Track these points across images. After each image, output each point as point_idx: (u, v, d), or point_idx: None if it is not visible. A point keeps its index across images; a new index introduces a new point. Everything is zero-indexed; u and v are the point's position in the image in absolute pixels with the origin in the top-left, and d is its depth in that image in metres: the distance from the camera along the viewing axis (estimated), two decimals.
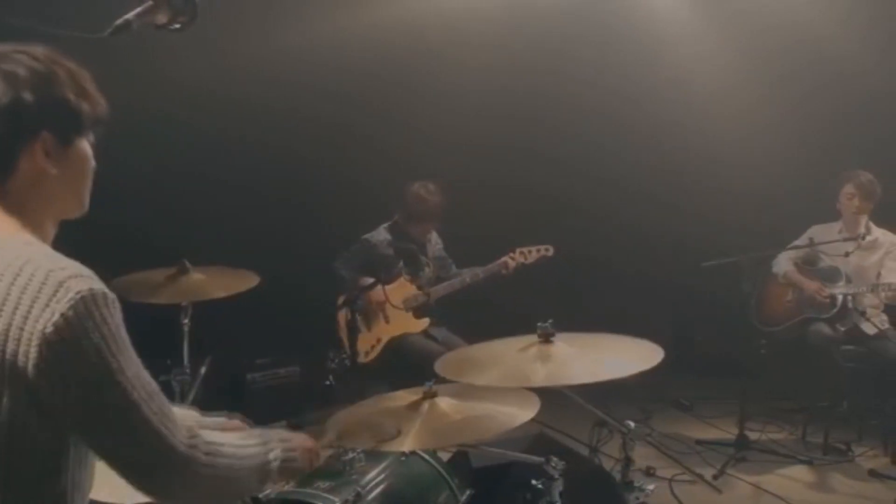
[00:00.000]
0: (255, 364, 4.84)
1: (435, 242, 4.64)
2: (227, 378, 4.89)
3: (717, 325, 5.67)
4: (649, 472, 4.19)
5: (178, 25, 1.47)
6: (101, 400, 1.22)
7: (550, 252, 4.45)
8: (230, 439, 1.44)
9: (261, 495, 2.45)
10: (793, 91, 5.34)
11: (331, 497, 2.37)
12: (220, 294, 2.71)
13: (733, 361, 4.94)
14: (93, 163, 1.41)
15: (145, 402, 1.25)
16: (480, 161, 5.48)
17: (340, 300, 4.01)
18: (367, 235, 4.47)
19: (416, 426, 2.21)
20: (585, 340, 2.05)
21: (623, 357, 1.99)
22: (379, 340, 4.33)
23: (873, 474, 4.20)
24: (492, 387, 2.24)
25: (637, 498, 2.15)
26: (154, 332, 3.08)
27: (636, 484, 2.15)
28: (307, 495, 2.41)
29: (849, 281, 4.56)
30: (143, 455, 1.27)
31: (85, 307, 1.18)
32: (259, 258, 4.18)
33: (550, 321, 2.04)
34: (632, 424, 2.11)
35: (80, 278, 1.21)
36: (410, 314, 4.38)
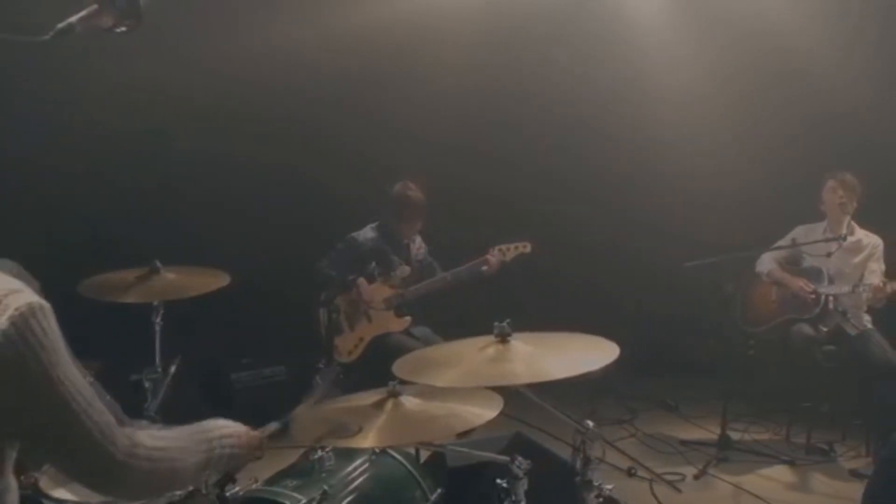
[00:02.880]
0: (240, 363, 4.86)
1: (418, 245, 4.65)
2: (211, 378, 4.92)
3: (703, 325, 5.68)
4: (630, 473, 4.20)
5: (123, 29, 1.48)
6: (43, 411, 1.27)
7: (528, 248, 4.46)
8: (172, 440, 1.51)
9: (228, 494, 2.49)
10: (777, 93, 5.37)
11: (296, 495, 2.39)
12: (192, 293, 2.72)
13: (718, 362, 4.96)
14: None
15: (84, 412, 1.30)
16: (458, 161, 5.49)
17: (321, 298, 4.04)
18: (353, 234, 4.49)
19: (378, 424, 2.24)
20: (542, 340, 2.06)
21: (578, 355, 1.99)
22: (361, 339, 4.36)
23: (854, 474, 4.21)
24: (452, 387, 2.27)
25: (596, 497, 2.16)
26: (126, 331, 3.12)
27: (595, 483, 2.16)
28: (274, 493, 2.43)
29: (831, 281, 4.56)
30: (84, 462, 1.35)
31: (24, 322, 1.23)
32: (245, 258, 4.22)
33: (508, 321, 2.05)
34: (590, 424, 2.12)
35: (16, 294, 1.25)
36: (392, 313, 4.41)
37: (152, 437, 1.46)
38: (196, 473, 1.57)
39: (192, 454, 1.53)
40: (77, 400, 1.29)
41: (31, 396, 1.25)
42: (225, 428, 1.64)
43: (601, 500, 2.19)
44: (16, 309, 1.22)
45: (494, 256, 4.35)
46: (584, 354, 1.97)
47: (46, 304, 1.28)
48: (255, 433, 1.73)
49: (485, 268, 4.34)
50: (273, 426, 1.91)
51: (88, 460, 1.34)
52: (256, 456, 1.73)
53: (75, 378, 1.31)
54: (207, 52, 4.45)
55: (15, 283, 1.28)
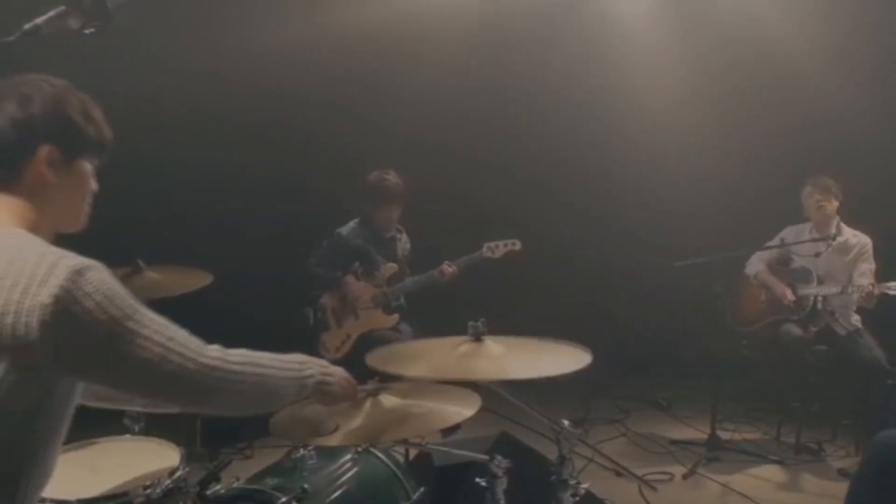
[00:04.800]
0: None
1: (404, 242, 4.69)
2: None
3: (695, 324, 5.69)
4: (618, 473, 4.22)
5: (91, 30, 1.49)
6: (116, 345, 1.36)
7: (518, 246, 4.48)
8: (266, 356, 1.61)
9: (209, 492, 2.51)
10: (764, 96, 5.40)
11: (276, 493, 2.40)
12: (175, 292, 2.74)
13: (709, 362, 4.97)
14: (93, 185, 1.59)
15: (159, 333, 1.41)
16: (445, 162, 5.49)
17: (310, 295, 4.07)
18: (339, 230, 4.53)
19: (356, 422, 2.25)
20: (516, 343, 2.08)
21: (546, 359, 2.01)
22: (349, 336, 4.39)
23: (843, 474, 4.21)
24: (435, 386, 2.28)
25: (572, 496, 2.17)
26: None
27: (571, 482, 2.16)
28: (253, 491, 2.44)
29: (820, 282, 4.57)
30: (173, 372, 1.42)
31: (80, 276, 1.33)
32: (232, 257, 4.22)
33: (482, 320, 2.06)
34: (566, 423, 2.13)
35: (70, 258, 1.36)
36: (380, 310, 4.45)
37: (248, 353, 1.57)
38: (291, 392, 1.65)
39: (287, 370, 1.64)
40: (149, 326, 1.40)
41: (102, 335, 1.35)
42: (322, 361, 1.77)
43: (577, 498, 2.19)
44: (70, 267, 1.33)
45: (450, 268, 4.43)
46: (552, 359, 1.98)
47: (102, 265, 1.39)
48: (352, 381, 1.83)
49: (446, 272, 4.44)
50: (370, 386, 2.07)
51: (177, 368, 1.42)
52: (350, 398, 1.85)
53: (145, 311, 1.42)
54: (191, 52, 4.45)
55: (69, 252, 1.37)
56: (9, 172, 1.46)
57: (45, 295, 1.30)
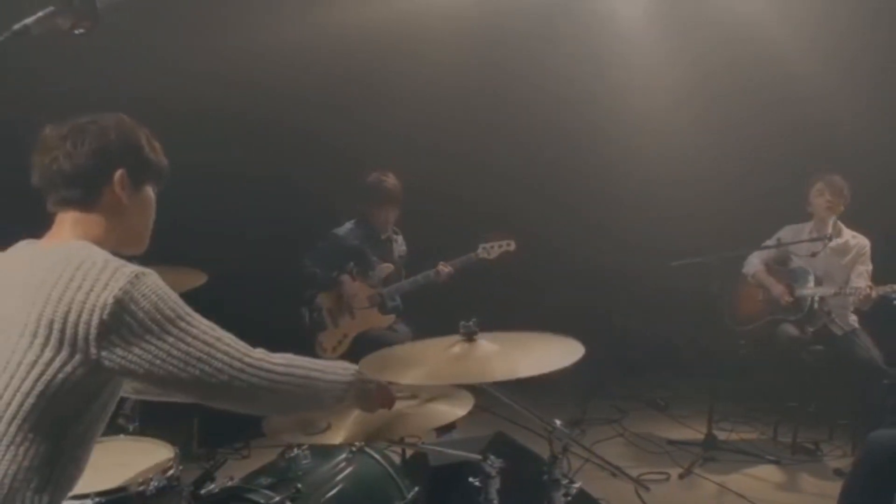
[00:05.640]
0: None
1: (400, 244, 4.69)
2: None
3: (693, 325, 5.69)
4: (614, 473, 4.22)
5: (81, 31, 1.50)
6: (168, 343, 1.50)
7: (512, 247, 4.50)
8: (311, 361, 1.74)
9: (203, 492, 2.51)
10: (761, 97, 5.39)
11: (269, 493, 2.41)
12: None
13: (706, 362, 4.97)
14: (154, 210, 1.77)
15: (208, 333, 1.56)
16: (444, 160, 5.50)
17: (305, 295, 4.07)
18: (335, 230, 4.54)
19: (348, 421, 2.26)
20: (508, 339, 2.08)
21: (542, 354, 2.01)
22: (346, 336, 4.39)
23: (839, 474, 4.20)
24: (426, 385, 2.28)
25: (564, 496, 2.18)
26: None
27: (563, 482, 2.17)
28: (246, 491, 2.45)
29: (818, 282, 4.57)
30: (221, 369, 1.55)
31: (138, 280, 1.50)
32: (228, 257, 4.21)
33: (474, 320, 2.06)
34: (558, 423, 2.14)
35: (129, 266, 1.53)
36: (376, 310, 4.45)
37: (292, 357, 1.69)
38: (333, 396, 1.75)
39: (329, 374, 1.74)
40: (198, 326, 1.55)
41: (154, 333, 1.50)
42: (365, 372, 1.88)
43: (569, 498, 2.20)
44: (130, 272, 1.50)
45: (446, 268, 4.46)
46: (548, 354, 1.98)
47: (155, 274, 1.54)
48: (391, 388, 1.94)
49: (442, 273, 4.48)
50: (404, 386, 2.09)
51: (225, 366, 1.55)
52: (387, 405, 1.95)
53: (197, 317, 1.57)
54: (191, 52, 4.45)
55: (129, 263, 1.54)
56: (88, 194, 1.63)
57: (107, 295, 1.46)
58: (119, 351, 1.48)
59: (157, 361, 1.50)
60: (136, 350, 1.48)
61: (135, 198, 1.69)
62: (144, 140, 1.71)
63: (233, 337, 1.59)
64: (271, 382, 1.60)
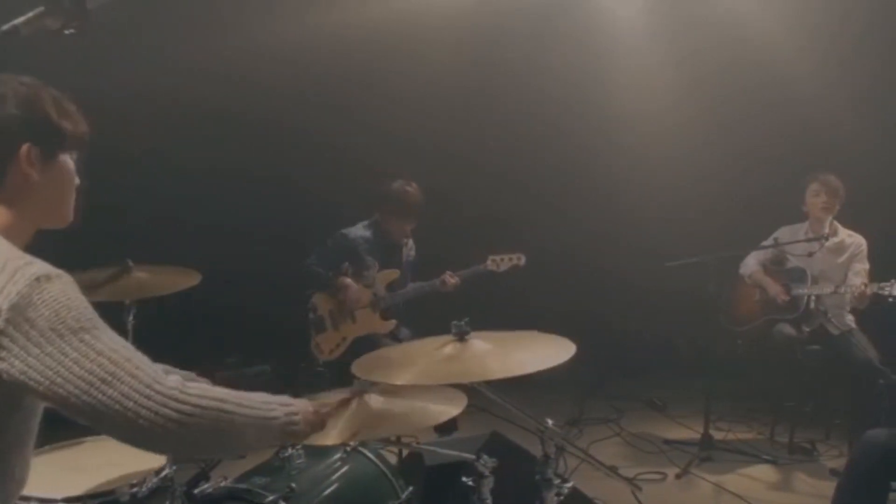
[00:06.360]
0: (224, 362, 4.87)
1: (410, 248, 4.59)
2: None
3: (690, 325, 5.69)
4: (611, 473, 4.20)
5: (70, 31, 1.50)
6: (71, 356, 1.32)
7: (522, 261, 4.46)
8: (229, 393, 1.49)
9: (196, 491, 2.52)
10: (756, 98, 5.40)
11: (263, 492, 2.41)
12: (164, 292, 2.74)
13: (703, 361, 4.97)
14: (76, 179, 1.58)
15: (117, 352, 1.36)
16: (442, 161, 5.48)
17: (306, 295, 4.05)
18: (344, 230, 4.40)
19: (342, 421, 2.26)
20: (500, 338, 2.08)
21: (534, 353, 2.01)
22: (344, 339, 4.33)
23: (835, 473, 4.20)
24: (420, 386, 2.28)
25: (556, 495, 2.18)
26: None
27: (555, 481, 2.17)
28: (241, 491, 2.45)
29: (815, 282, 4.57)
30: (126, 394, 1.33)
31: (40, 285, 1.32)
32: (229, 257, 4.22)
33: (466, 320, 2.06)
34: (549, 422, 2.13)
35: (34, 265, 1.35)
36: (377, 315, 4.37)
37: (207, 388, 1.47)
38: (254, 433, 1.50)
39: (249, 409, 1.48)
40: (105, 342, 1.35)
41: (55, 344, 1.31)
42: (284, 398, 1.62)
43: (561, 497, 2.20)
44: (31, 274, 1.32)
45: (452, 279, 4.40)
46: (539, 352, 1.98)
47: (66, 275, 1.37)
48: (319, 412, 1.69)
49: (448, 283, 4.43)
50: (357, 385, 2.01)
51: (129, 397, 1.33)
52: (317, 430, 1.70)
53: (105, 329, 1.38)
54: (190, 52, 4.46)
55: (36, 260, 1.37)
56: None
57: (2, 300, 1.30)
58: (17, 363, 1.31)
59: (58, 379, 1.31)
60: (33, 362, 1.31)
61: (48, 172, 1.50)
62: (51, 106, 1.49)
63: (145, 359, 1.40)
64: (184, 415, 1.37)
